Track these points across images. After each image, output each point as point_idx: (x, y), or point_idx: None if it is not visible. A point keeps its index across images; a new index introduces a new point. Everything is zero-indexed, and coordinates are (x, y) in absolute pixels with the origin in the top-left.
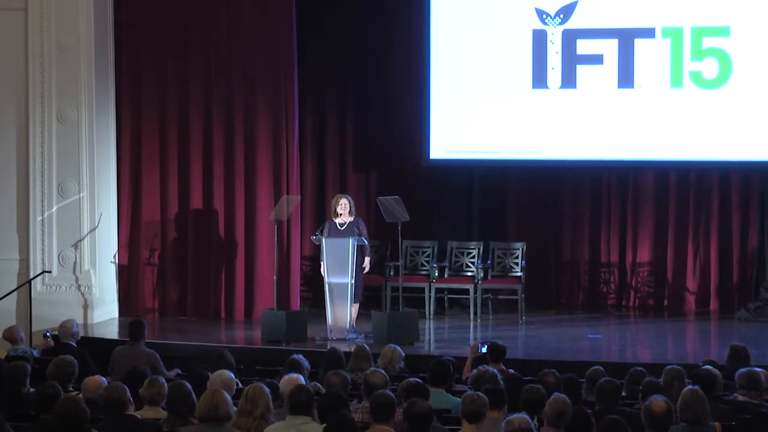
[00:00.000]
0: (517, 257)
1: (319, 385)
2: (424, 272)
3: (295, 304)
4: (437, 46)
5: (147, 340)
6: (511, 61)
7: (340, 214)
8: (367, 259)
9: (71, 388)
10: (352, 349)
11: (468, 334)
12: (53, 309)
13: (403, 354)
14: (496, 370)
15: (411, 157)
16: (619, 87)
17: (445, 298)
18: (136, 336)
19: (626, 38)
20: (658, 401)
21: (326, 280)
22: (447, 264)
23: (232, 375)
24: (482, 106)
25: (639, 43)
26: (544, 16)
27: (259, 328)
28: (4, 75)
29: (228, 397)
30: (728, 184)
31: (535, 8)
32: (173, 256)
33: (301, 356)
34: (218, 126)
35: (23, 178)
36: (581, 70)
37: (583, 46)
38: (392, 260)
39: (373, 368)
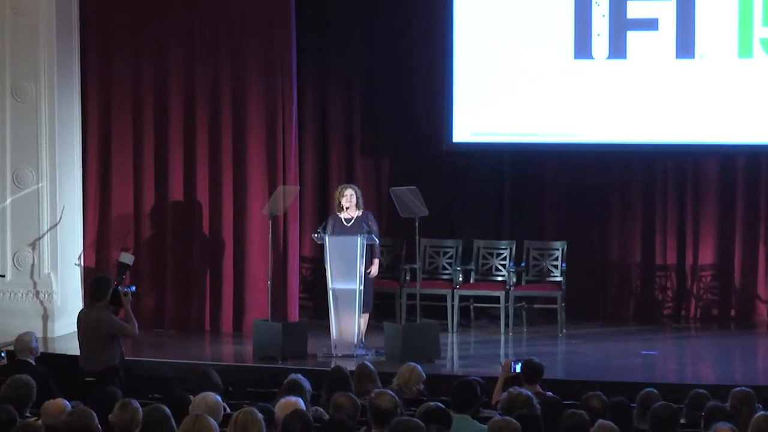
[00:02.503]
0: (556, 259)
1: (322, 410)
2: (445, 277)
3: (293, 314)
4: (461, 9)
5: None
6: (548, 27)
7: (346, 208)
8: (375, 262)
9: (29, 414)
10: (357, 368)
11: (498, 349)
12: (7, 320)
13: (424, 375)
14: (531, 393)
15: (430, 141)
16: (676, 57)
17: (471, 307)
18: (95, 296)
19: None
20: (723, 429)
21: (330, 285)
22: (473, 267)
23: (219, 398)
24: (515, 80)
25: (701, 5)
26: None
27: (250, 343)
28: None
29: (214, 423)
30: None
31: None
32: (149, 257)
33: (300, 376)
34: (202, 104)
35: None
36: (632, 37)
37: (635, 9)
38: (408, 262)
39: (378, 390)
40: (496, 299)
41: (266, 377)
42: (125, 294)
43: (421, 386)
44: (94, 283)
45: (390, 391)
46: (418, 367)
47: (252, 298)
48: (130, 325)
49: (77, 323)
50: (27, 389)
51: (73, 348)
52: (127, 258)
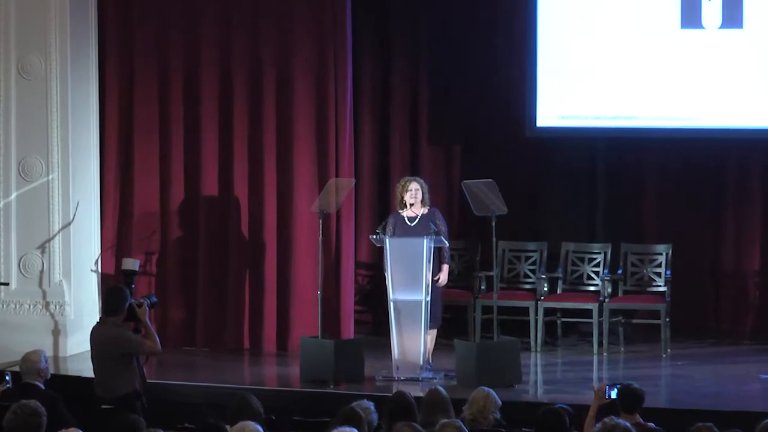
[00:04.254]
0: (659, 265)
1: None
2: (528, 286)
3: (348, 330)
4: None
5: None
6: None
7: (410, 205)
8: (445, 268)
9: None
10: (426, 394)
11: (591, 372)
12: (12, 336)
13: (499, 401)
14: (629, 424)
15: (509, 126)
16: None
17: (558, 322)
18: (110, 310)
19: None
20: None
21: (391, 296)
22: (561, 274)
23: (260, 428)
24: (609, 54)
25: None
26: None
27: (296, 364)
28: None
29: None
30: None
31: None
32: (178, 262)
33: (367, 403)
34: (240, 82)
35: None
36: (750, 2)
37: None
38: (483, 269)
39: (446, 420)
40: (588, 313)
41: (315, 404)
42: (139, 305)
43: (498, 415)
44: (109, 295)
45: (458, 422)
46: (493, 392)
47: (299, 312)
48: (151, 342)
49: (90, 342)
50: (35, 417)
51: (89, 369)
52: (131, 263)
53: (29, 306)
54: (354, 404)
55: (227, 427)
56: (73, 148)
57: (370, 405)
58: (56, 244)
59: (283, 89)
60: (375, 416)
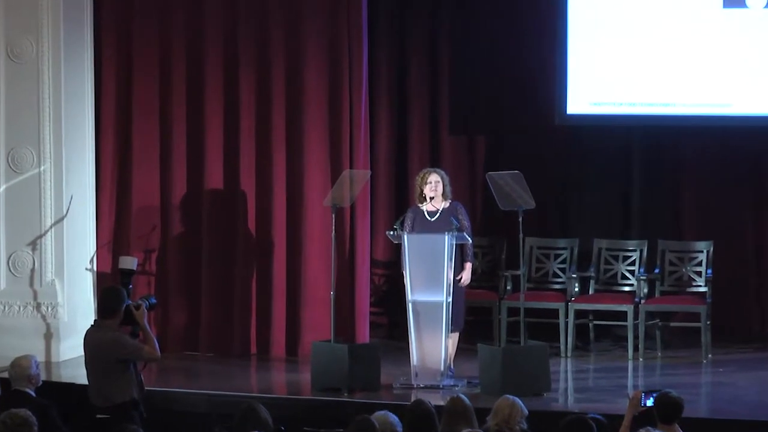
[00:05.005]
0: (699, 264)
1: None
2: (558, 286)
3: (363, 333)
4: None
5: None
6: None
7: (430, 198)
8: (468, 266)
9: None
10: (447, 403)
11: (625, 380)
12: (1, 340)
13: (526, 411)
14: None
15: (538, 114)
16: None
17: (590, 325)
18: (105, 312)
19: None
20: None
21: (409, 297)
22: (593, 274)
23: None
24: (647, 37)
25: None
26: None
27: (307, 370)
28: None
29: None
30: None
31: None
32: (179, 261)
33: (391, 415)
34: (247, 65)
35: None
36: None
37: None
38: (509, 267)
39: (468, 431)
40: (623, 315)
41: (328, 413)
42: (137, 307)
43: (524, 425)
44: (104, 296)
45: None
46: (519, 401)
47: (310, 314)
48: (149, 347)
49: (84, 347)
50: (26, 428)
51: (83, 375)
52: (128, 262)
53: (19, 307)
54: (376, 414)
55: None
56: (66, 137)
57: (394, 418)
58: (48, 240)
59: (293, 74)
60: (399, 429)
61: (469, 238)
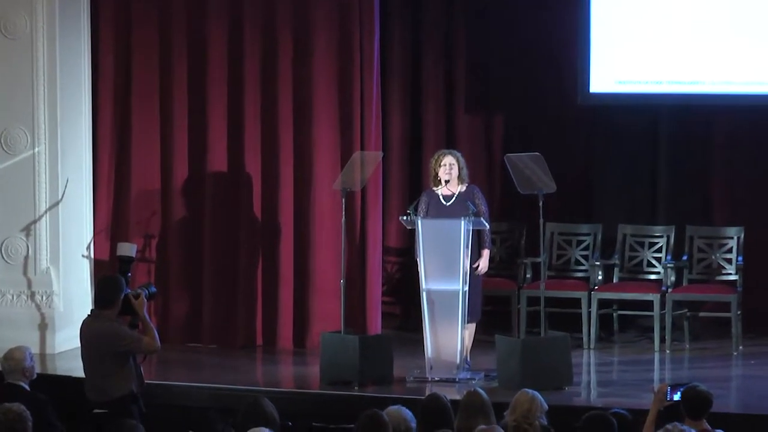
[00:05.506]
0: (729, 250)
1: None
2: (580, 274)
3: (375, 324)
4: None
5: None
6: None
7: (446, 182)
8: (485, 253)
9: None
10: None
11: (651, 373)
12: None
13: (546, 406)
14: (695, 431)
15: (560, 92)
16: None
17: (614, 315)
18: (102, 302)
19: None
20: None
21: (423, 286)
22: (617, 261)
23: None
24: (675, 10)
25: None
26: None
27: (316, 363)
28: None
29: None
30: None
31: None
32: (181, 247)
33: (404, 410)
34: (252, 44)
35: None
36: None
37: None
38: (529, 255)
39: (484, 427)
40: (649, 305)
41: (338, 408)
42: (137, 296)
43: (544, 420)
44: (102, 285)
45: (499, 428)
46: (539, 395)
47: (319, 304)
48: (149, 338)
49: (80, 338)
50: (20, 423)
51: (79, 368)
52: (127, 249)
53: (12, 297)
54: (389, 409)
55: None
56: (62, 117)
57: (407, 413)
58: (43, 226)
59: (301, 51)
60: (413, 424)
61: (487, 224)
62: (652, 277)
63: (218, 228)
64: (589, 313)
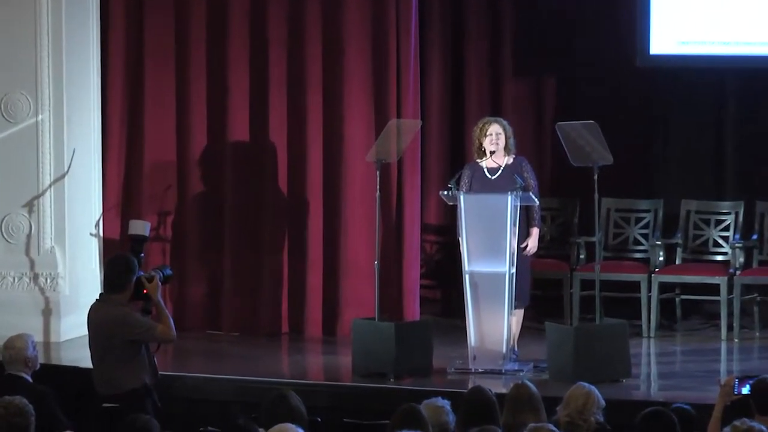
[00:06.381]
0: None
1: None
2: (639, 255)
3: (412, 310)
4: None
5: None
6: None
7: (491, 153)
8: (534, 232)
9: None
10: (510, 390)
11: (718, 364)
12: None
13: (602, 401)
14: (766, 428)
15: (616, 54)
16: None
17: (677, 300)
18: (112, 285)
19: None
20: None
21: (466, 268)
22: (680, 240)
23: None
24: None
25: None
26: None
27: (348, 352)
28: None
29: None
30: None
31: None
32: (199, 225)
33: (439, 400)
34: (277, 0)
35: None
36: None
37: None
38: (583, 234)
39: (535, 425)
40: (715, 289)
41: (371, 403)
42: (150, 279)
43: (600, 417)
44: (112, 266)
45: (551, 425)
46: (594, 389)
47: (350, 287)
48: (164, 325)
49: (88, 325)
50: (22, 418)
51: (87, 358)
52: (140, 227)
53: (13, 279)
54: (426, 402)
55: (261, 430)
56: (68, 80)
57: (445, 403)
58: (47, 201)
59: (331, 8)
60: (451, 417)
61: (536, 199)
62: (719, 258)
63: (240, 203)
64: (649, 297)
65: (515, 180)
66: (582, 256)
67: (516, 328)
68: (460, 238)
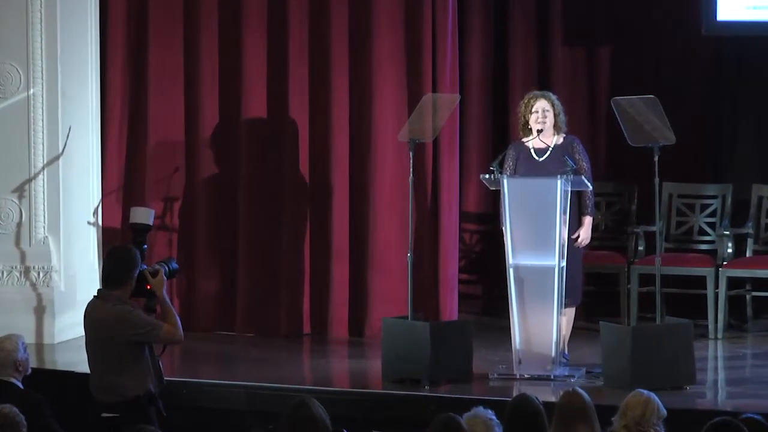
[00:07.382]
0: None
1: None
2: (705, 246)
3: (450, 308)
4: None
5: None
6: None
7: (538, 131)
8: (587, 221)
9: None
10: (560, 399)
11: None
12: None
13: (664, 410)
14: None
15: (679, 21)
16: None
17: (748, 297)
18: (111, 280)
19: None
20: None
21: (510, 261)
22: (751, 230)
23: None
24: None
25: None
26: None
27: (377, 356)
28: None
29: None
30: None
31: None
32: (209, 213)
33: (483, 411)
34: None
35: None
36: None
37: None
38: (642, 223)
39: None
40: None
41: (404, 412)
42: (154, 273)
43: (661, 428)
44: (111, 259)
45: None
46: (654, 397)
47: (380, 283)
48: (169, 325)
49: (84, 325)
50: (12, 428)
51: (84, 361)
52: (142, 215)
53: (2, 273)
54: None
55: None
56: (63, 51)
57: (491, 415)
58: (40, 186)
59: None
60: (498, 430)
61: (589, 184)
62: None
63: (256, 189)
64: (716, 294)
65: (565, 162)
66: (641, 248)
67: (566, 329)
68: (503, 228)
